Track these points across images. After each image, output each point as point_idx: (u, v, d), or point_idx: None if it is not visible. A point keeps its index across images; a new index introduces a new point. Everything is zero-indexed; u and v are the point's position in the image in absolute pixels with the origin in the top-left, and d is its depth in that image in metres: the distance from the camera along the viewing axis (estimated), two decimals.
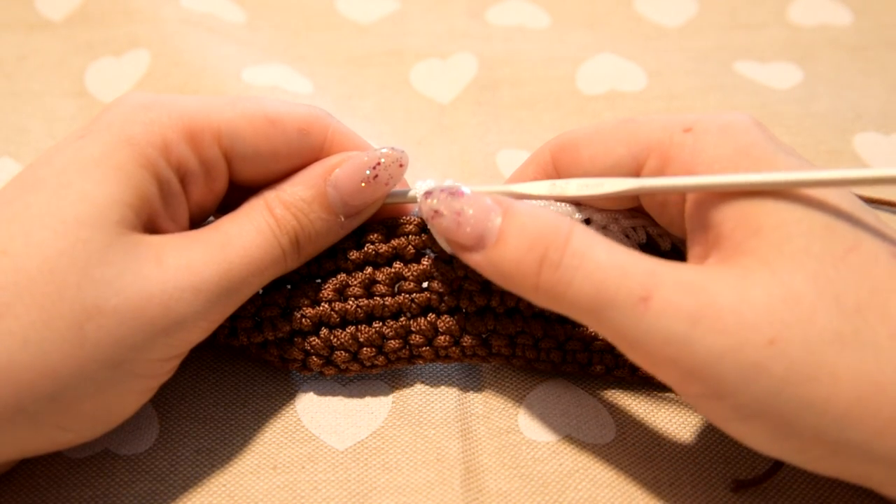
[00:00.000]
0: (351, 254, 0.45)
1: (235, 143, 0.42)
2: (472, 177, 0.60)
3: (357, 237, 0.45)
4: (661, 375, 0.37)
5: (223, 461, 0.44)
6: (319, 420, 0.46)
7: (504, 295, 0.45)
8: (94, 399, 0.38)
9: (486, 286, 0.45)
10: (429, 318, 0.45)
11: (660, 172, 0.41)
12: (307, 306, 0.45)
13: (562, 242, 0.37)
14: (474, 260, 0.40)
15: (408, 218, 0.46)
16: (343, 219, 0.44)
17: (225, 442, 0.45)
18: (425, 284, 0.46)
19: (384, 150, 0.43)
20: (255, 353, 0.46)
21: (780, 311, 0.34)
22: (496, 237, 0.39)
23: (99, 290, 0.37)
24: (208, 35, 0.67)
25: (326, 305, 0.45)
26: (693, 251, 0.40)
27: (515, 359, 0.46)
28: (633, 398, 0.47)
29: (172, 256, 0.39)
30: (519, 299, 0.45)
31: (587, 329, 0.46)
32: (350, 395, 0.47)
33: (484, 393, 0.48)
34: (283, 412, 0.47)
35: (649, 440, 0.46)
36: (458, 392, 0.48)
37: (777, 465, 0.42)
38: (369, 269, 0.45)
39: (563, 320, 0.46)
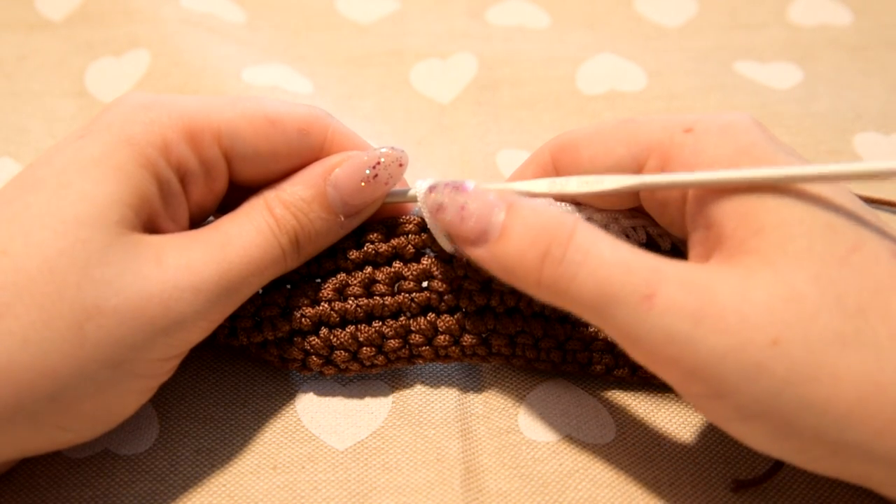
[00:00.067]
0: (351, 253, 0.45)
1: (235, 143, 0.42)
2: (471, 177, 0.60)
3: (357, 237, 0.45)
4: (662, 374, 0.37)
5: (223, 461, 0.44)
6: (319, 420, 0.46)
7: (504, 294, 0.45)
8: (93, 399, 0.38)
9: (485, 285, 0.45)
10: (428, 318, 0.45)
11: (660, 172, 0.41)
12: (307, 306, 0.45)
13: (565, 237, 0.37)
14: (477, 254, 0.40)
15: (407, 217, 0.46)
16: (343, 218, 0.44)
17: (225, 442, 0.45)
18: (425, 284, 0.46)
19: (384, 150, 0.43)
20: (254, 353, 0.46)
21: (782, 311, 0.34)
22: (499, 232, 0.39)
23: (99, 290, 0.37)
24: (208, 35, 0.67)
25: (326, 305, 0.45)
26: (694, 251, 0.40)
27: (515, 358, 0.46)
28: (633, 398, 0.47)
29: (172, 256, 0.39)
30: (519, 299, 0.45)
31: (587, 329, 0.46)
32: (350, 395, 0.47)
33: (484, 393, 0.48)
34: (283, 412, 0.47)
35: (649, 440, 0.46)
36: (458, 392, 0.48)
37: (777, 466, 0.42)
38: (369, 269, 0.45)
39: (563, 320, 0.46)
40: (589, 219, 0.44)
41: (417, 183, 0.43)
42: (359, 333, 0.45)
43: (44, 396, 0.36)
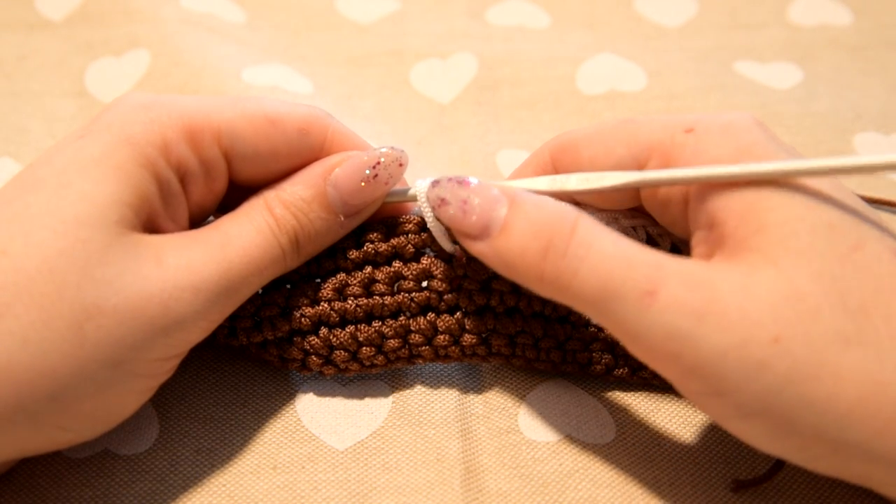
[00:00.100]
0: (350, 253, 0.45)
1: (235, 142, 0.42)
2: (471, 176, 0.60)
3: (356, 236, 0.45)
4: (663, 371, 0.37)
5: (223, 461, 0.44)
6: (319, 420, 0.46)
7: (504, 294, 0.45)
8: (93, 399, 0.38)
9: (485, 285, 0.45)
10: (428, 318, 0.45)
11: None
12: (306, 306, 0.45)
13: (567, 231, 0.37)
14: (479, 249, 0.40)
15: (407, 217, 0.46)
16: (343, 218, 0.44)
17: (225, 442, 0.45)
18: (425, 283, 0.46)
19: (384, 150, 0.43)
20: (254, 353, 0.46)
21: (784, 309, 0.34)
22: (501, 226, 0.39)
23: (99, 290, 0.37)
24: (208, 35, 0.67)
25: (326, 305, 0.45)
26: (697, 250, 0.39)
27: (515, 358, 0.46)
28: (633, 398, 0.47)
29: (172, 256, 0.39)
30: (519, 299, 0.45)
31: (587, 329, 0.46)
32: (350, 395, 0.47)
33: (484, 393, 0.48)
34: (283, 412, 0.47)
35: (649, 440, 0.46)
36: (458, 392, 0.48)
37: (777, 466, 0.42)
38: (369, 269, 0.45)
39: (563, 320, 0.46)
40: None
41: (417, 182, 0.44)
42: (358, 333, 0.45)
43: (44, 396, 0.36)
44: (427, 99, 0.66)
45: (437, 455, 0.45)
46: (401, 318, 0.46)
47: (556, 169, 0.44)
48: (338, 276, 0.45)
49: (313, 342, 0.45)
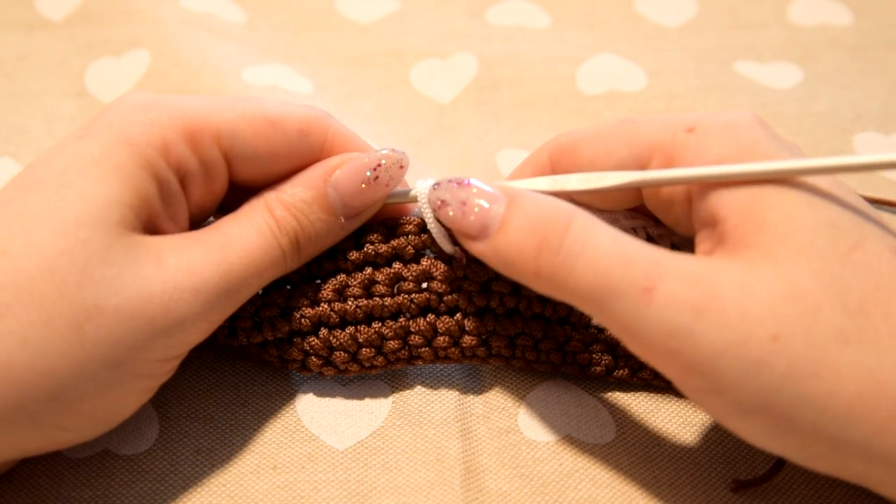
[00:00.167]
0: (350, 254, 0.45)
1: (235, 143, 0.42)
2: (471, 176, 0.60)
3: (357, 237, 0.45)
4: (661, 368, 0.37)
5: (223, 461, 0.44)
6: (319, 420, 0.46)
7: (503, 296, 0.45)
8: (93, 399, 0.38)
9: (485, 287, 0.45)
10: (428, 319, 0.45)
11: None
12: (306, 306, 0.45)
13: (563, 226, 0.37)
14: (479, 249, 0.40)
15: (407, 218, 0.46)
16: (343, 220, 0.44)
17: (225, 442, 0.45)
18: (424, 285, 0.46)
19: (384, 152, 0.43)
20: (254, 354, 0.46)
21: (783, 307, 0.34)
22: (499, 225, 0.39)
23: (99, 290, 0.37)
24: (208, 35, 0.67)
25: (326, 306, 0.45)
26: (700, 248, 0.39)
27: (515, 360, 0.46)
28: (633, 398, 0.47)
29: (172, 257, 0.39)
30: (519, 300, 0.45)
31: (587, 330, 0.46)
32: (350, 395, 0.47)
33: (484, 393, 0.48)
34: (283, 412, 0.47)
35: (649, 440, 0.46)
36: (458, 392, 0.48)
37: (777, 466, 0.42)
38: (369, 270, 0.45)
39: (563, 321, 0.46)
40: None
41: (418, 183, 0.43)
42: (358, 334, 0.45)
43: (44, 396, 0.36)
44: (427, 99, 0.66)
45: (437, 455, 0.45)
46: (401, 320, 0.46)
47: (554, 170, 0.44)
48: (338, 277, 0.45)
49: (313, 343, 0.45)
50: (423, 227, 0.45)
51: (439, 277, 0.45)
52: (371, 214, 0.45)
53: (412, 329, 0.45)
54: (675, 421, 0.46)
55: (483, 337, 0.46)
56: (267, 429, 0.46)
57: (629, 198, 0.43)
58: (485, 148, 0.62)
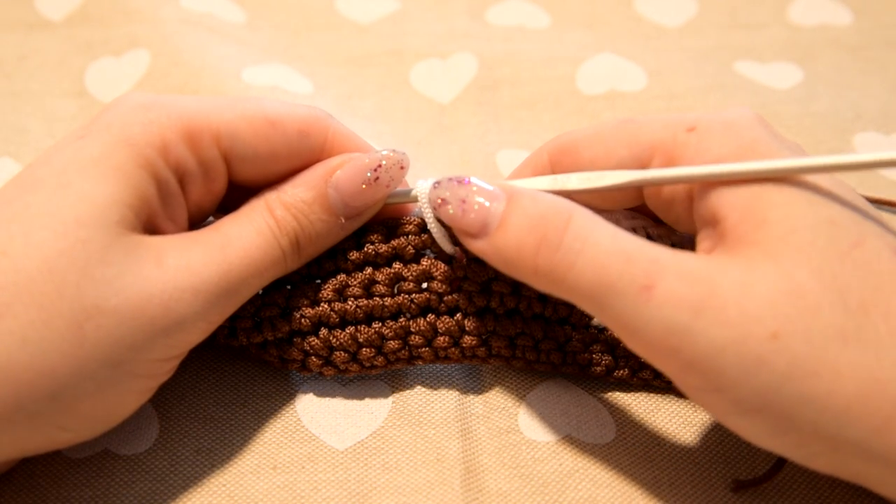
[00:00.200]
0: (351, 254, 0.45)
1: (235, 144, 0.42)
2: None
3: (357, 238, 0.45)
4: (661, 366, 0.37)
5: (223, 461, 0.44)
6: (319, 420, 0.46)
7: (504, 296, 0.45)
8: (93, 398, 0.38)
9: (485, 287, 0.45)
10: (428, 319, 0.45)
11: None
12: (306, 306, 0.45)
13: (562, 224, 0.37)
14: (478, 247, 0.40)
15: (408, 218, 0.46)
16: (343, 220, 0.44)
17: (225, 442, 0.45)
18: (425, 285, 0.46)
19: (385, 153, 0.43)
20: (254, 354, 0.46)
21: (783, 305, 0.34)
22: (499, 222, 0.39)
23: (99, 290, 0.37)
24: (208, 35, 0.67)
25: (326, 306, 0.45)
26: (701, 246, 0.39)
27: (515, 360, 0.46)
28: (633, 398, 0.47)
29: (172, 257, 0.39)
30: (519, 300, 0.45)
31: (588, 331, 0.46)
32: (350, 395, 0.47)
33: (484, 393, 0.48)
34: (283, 412, 0.47)
35: (649, 440, 0.46)
36: (458, 392, 0.48)
37: (777, 466, 0.42)
38: (369, 270, 0.45)
39: (563, 322, 0.46)
40: None
41: (418, 183, 0.43)
42: (358, 334, 0.45)
43: (43, 396, 0.36)
44: (427, 99, 0.66)
45: (437, 455, 0.45)
46: (401, 320, 0.46)
47: (554, 171, 0.44)
48: (338, 277, 0.45)
49: (313, 343, 0.45)
50: (423, 227, 0.45)
51: (439, 277, 0.45)
52: (371, 215, 0.45)
53: (412, 329, 0.45)
54: (675, 421, 0.46)
55: (483, 337, 0.46)
56: (267, 429, 0.46)
57: (630, 197, 0.43)
58: (485, 148, 0.62)
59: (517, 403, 0.47)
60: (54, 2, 0.70)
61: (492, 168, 0.60)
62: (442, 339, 0.45)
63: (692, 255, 0.37)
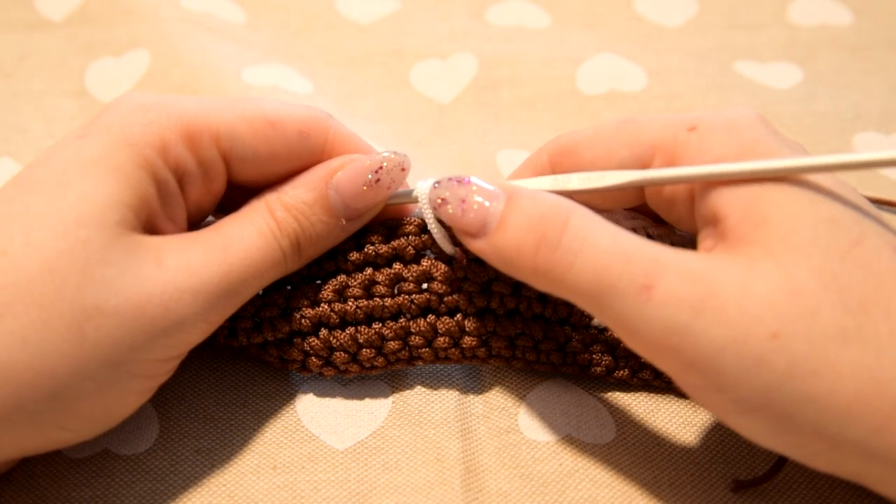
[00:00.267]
0: (351, 255, 0.45)
1: (235, 144, 0.42)
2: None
3: (357, 238, 0.45)
4: (662, 365, 0.37)
5: (223, 461, 0.44)
6: (319, 420, 0.46)
7: (504, 296, 0.45)
8: (93, 398, 0.38)
9: (485, 287, 0.45)
10: (428, 320, 0.45)
11: None
12: (307, 307, 0.45)
13: (560, 224, 0.37)
14: (478, 247, 0.40)
15: (408, 219, 0.46)
16: (344, 222, 0.44)
17: (225, 442, 0.45)
18: (425, 286, 0.46)
19: (386, 154, 0.43)
20: (254, 354, 0.46)
21: (783, 305, 0.34)
22: (498, 222, 0.39)
23: (98, 291, 0.37)
24: (208, 35, 0.67)
25: (326, 306, 0.45)
26: (702, 245, 0.39)
27: (515, 360, 0.46)
28: (633, 398, 0.47)
29: (172, 257, 0.39)
30: (519, 301, 0.45)
31: (588, 331, 0.46)
32: (350, 395, 0.47)
33: (484, 393, 0.48)
34: (283, 412, 0.47)
35: (649, 440, 0.46)
36: (458, 392, 0.48)
37: (777, 467, 0.42)
38: (369, 270, 0.45)
39: (563, 322, 0.46)
40: None
41: (419, 184, 0.43)
42: (358, 335, 0.45)
43: (43, 396, 0.36)
44: (427, 99, 0.66)
45: (437, 455, 0.45)
46: (401, 320, 0.46)
47: (554, 172, 0.44)
48: (338, 277, 0.45)
49: (313, 343, 0.45)
50: (423, 228, 0.45)
51: (440, 278, 0.45)
52: (372, 216, 0.45)
53: (412, 330, 0.45)
54: (675, 421, 0.46)
55: (483, 338, 0.46)
56: (267, 429, 0.46)
57: (631, 197, 0.43)
58: (485, 148, 0.62)
59: (517, 403, 0.47)
60: (54, 2, 0.70)
61: (492, 168, 0.60)
62: (442, 339, 0.45)
63: (692, 254, 0.37)
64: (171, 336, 0.39)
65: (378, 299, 0.45)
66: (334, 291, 0.45)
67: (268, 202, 0.43)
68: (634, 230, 0.45)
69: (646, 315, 0.35)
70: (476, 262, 0.44)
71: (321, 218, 0.43)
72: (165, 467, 0.44)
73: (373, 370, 0.46)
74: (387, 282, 0.45)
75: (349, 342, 0.45)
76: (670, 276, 0.35)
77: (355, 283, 0.45)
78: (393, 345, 0.45)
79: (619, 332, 0.38)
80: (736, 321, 0.34)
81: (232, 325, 0.45)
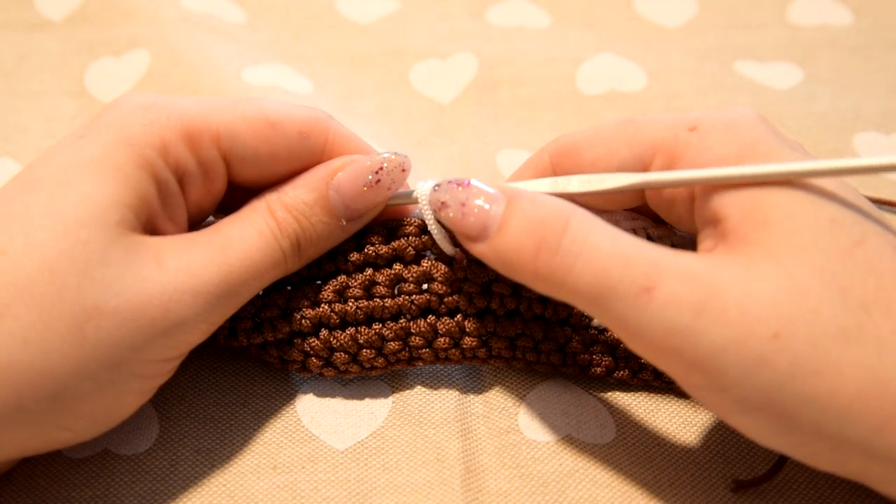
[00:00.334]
0: (351, 255, 0.45)
1: (235, 145, 0.42)
2: (471, 177, 0.60)
3: (357, 239, 0.45)
4: (663, 366, 0.37)
5: (223, 461, 0.44)
6: (319, 420, 0.46)
7: (504, 297, 0.45)
8: (93, 399, 0.38)
9: (485, 288, 0.45)
10: (428, 320, 0.45)
11: None
12: (307, 307, 0.45)
13: (560, 227, 0.37)
14: (479, 250, 0.40)
15: (408, 220, 0.46)
16: (344, 222, 0.43)
17: (225, 442, 0.45)
18: (425, 286, 0.46)
19: (387, 155, 0.43)
20: (254, 354, 0.46)
21: (785, 305, 0.34)
22: (499, 225, 0.39)
23: (99, 291, 0.37)
24: (208, 35, 0.67)
25: (326, 307, 0.45)
26: (703, 246, 0.39)
27: (516, 361, 0.46)
28: (633, 398, 0.47)
29: (172, 258, 0.39)
30: (519, 301, 0.45)
31: (588, 332, 0.46)
32: (350, 395, 0.47)
33: (484, 393, 0.48)
34: (283, 412, 0.47)
35: (649, 440, 0.46)
36: (458, 392, 0.48)
37: (777, 467, 0.42)
38: (369, 271, 0.45)
39: (563, 323, 0.46)
40: None
41: (419, 185, 0.43)
42: (359, 335, 0.45)
43: (44, 396, 0.36)
44: (427, 99, 0.66)
45: (437, 455, 0.45)
46: (401, 321, 0.46)
47: (555, 172, 0.44)
48: (338, 278, 0.45)
49: (313, 344, 0.45)
50: (423, 229, 0.45)
51: (440, 279, 0.45)
52: (372, 217, 0.45)
53: (413, 330, 0.45)
54: (675, 421, 0.46)
55: (483, 338, 0.46)
56: (267, 429, 0.46)
57: (631, 198, 0.43)
58: (485, 148, 0.62)
59: (517, 403, 0.47)
60: (54, 2, 0.70)
61: (492, 168, 0.60)
62: (442, 340, 0.45)
63: (693, 255, 0.37)
64: (171, 336, 0.39)
65: (378, 300, 0.45)
66: (334, 292, 0.45)
67: (268, 202, 0.43)
68: (634, 231, 0.45)
69: (647, 317, 0.35)
70: (476, 262, 0.44)
71: (321, 218, 0.43)
72: (165, 467, 0.44)
73: (373, 370, 0.46)
74: (387, 282, 0.45)
75: (349, 343, 0.45)
76: (671, 278, 0.35)
77: (355, 284, 0.45)
78: (393, 345, 0.45)
79: (620, 335, 0.38)
80: (737, 321, 0.34)
81: (232, 326, 0.45)
